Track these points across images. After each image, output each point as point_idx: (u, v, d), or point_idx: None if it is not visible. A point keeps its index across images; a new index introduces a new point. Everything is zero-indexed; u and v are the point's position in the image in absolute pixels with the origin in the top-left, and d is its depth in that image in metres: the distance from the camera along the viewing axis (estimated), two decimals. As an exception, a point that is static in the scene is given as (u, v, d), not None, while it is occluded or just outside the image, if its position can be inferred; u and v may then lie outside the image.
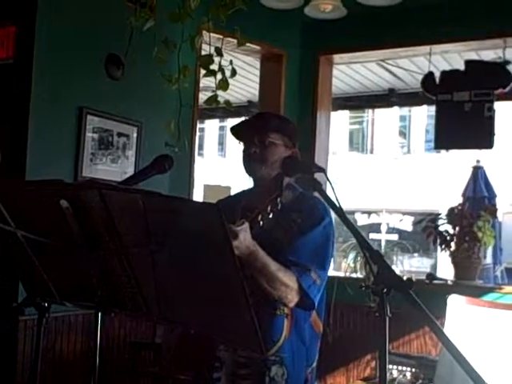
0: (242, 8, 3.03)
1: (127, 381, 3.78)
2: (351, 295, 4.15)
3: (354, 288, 4.27)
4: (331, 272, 2.08)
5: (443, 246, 4.55)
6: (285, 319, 2.00)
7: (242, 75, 5.93)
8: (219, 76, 3.14)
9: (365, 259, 3.98)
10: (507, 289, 4.25)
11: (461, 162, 13.14)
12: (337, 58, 5.12)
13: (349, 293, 4.19)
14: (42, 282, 1.66)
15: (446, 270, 6.76)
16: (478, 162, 7.51)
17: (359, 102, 7.07)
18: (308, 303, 1.94)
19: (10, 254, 1.75)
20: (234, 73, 3.15)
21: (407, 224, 16.82)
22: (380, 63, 5.69)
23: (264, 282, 1.86)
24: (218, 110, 6.98)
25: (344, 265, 4.86)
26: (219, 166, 17.92)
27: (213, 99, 3.16)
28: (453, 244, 4.49)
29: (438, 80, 4.69)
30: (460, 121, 4.54)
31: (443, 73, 4.73)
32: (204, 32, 3.17)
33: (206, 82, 3.49)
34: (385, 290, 1.39)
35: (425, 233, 4.65)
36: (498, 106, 4.54)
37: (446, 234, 4.52)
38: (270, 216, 1.83)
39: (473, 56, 4.98)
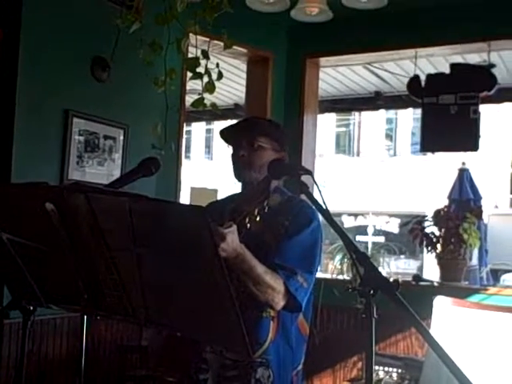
0: (228, 11, 3.03)
1: (114, 384, 3.77)
2: (338, 297, 4.15)
3: (341, 290, 4.28)
4: (318, 274, 2.08)
5: (429, 248, 4.57)
6: (271, 322, 2.00)
7: (229, 78, 5.94)
8: (206, 79, 3.14)
9: (351, 261, 3.99)
10: (493, 290, 4.27)
11: (447, 164, 13.24)
12: (323, 60, 5.13)
13: (335, 294, 4.20)
14: (27, 285, 1.65)
15: (432, 271, 6.81)
16: (463, 164, 7.57)
17: (346, 104, 7.09)
18: (295, 306, 1.95)
19: (-5, 257, 1.74)
20: (220, 76, 3.16)
21: (394, 226, 16.90)
22: (366, 66, 5.71)
23: (251, 285, 1.85)
24: (204, 112, 6.97)
25: (331, 266, 4.87)
26: (206, 168, 17.92)
27: (199, 102, 3.16)
28: (439, 246, 4.52)
29: (423, 83, 4.71)
30: (446, 123, 4.57)
31: (429, 76, 4.76)
32: (191, 35, 3.17)
33: (193, 84, 3.49)
34: (371, 291, 1.40)
35: (411, 235, 4.67)
36: (483, 108, 4.58)
37: (432, 236, 4.55)
38: (258, 219, 1.83)
39: (458, 59, 5.01)
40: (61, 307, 1.74)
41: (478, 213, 4.84)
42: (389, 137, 18.89)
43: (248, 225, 1.82)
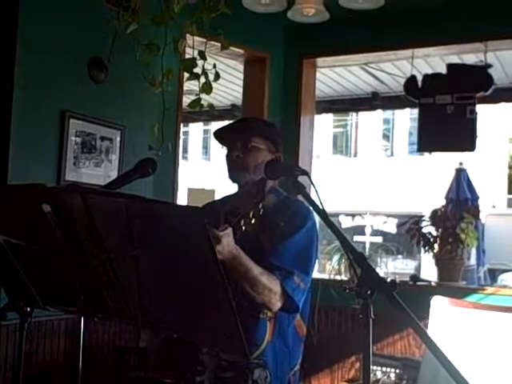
0: (225, 12, 3.03)
1: (111, 386, 3.76)
2: (335, 297, 4.15)
3: (339, 290, 4.28)
4: (315, 274, 2.08)
5: (427, 248, 4.58)
6: (268, 323, 1.99)
7: (226, 79, 5.93)
8: (203, 79, 3.13)
9: (349, 261, 3.99)
10: (490, 290, 4.28)
11: (444, 164, 13.25)
12: (320, 61, 5.14)
13: (333, 295, 4.20)
14: (24, 287, 1.65)
15: (429, 271, 6.81)
16: (460, 164, 7.56)
17: (343, 105, 7.09)
18: (292, 306, 1.94)
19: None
20: (217, 76, 3.15)
21: (391, 226, 16.90)
22: (363, 67, 5.71)
23: (247, 287, 1.85)
24: (201, 113, 6.97)
25: (328, 267, 4.87)
26: (203, 169, 17.90)
27: (196, 103, 3.16)
28: (436, 246, 4.52)
29: (420, 83, 4.72)
30: (442, 124, 4.58)
31: (425, 76, 4.76)
32: (187, 35, 3.17)
33: (190, 85, 3.49)
34: (368, 291, 1.40)
35: (408, 235, 4.68)
36: (480, 108, 4.58)
37: (430, 236, 4.55)
38: (253, 221, 1.83)
39: (455, 60, 5.01)
40: (58, 309, 1.74)
41: (476, 213, 4.85)
42: (386, 137, 18.90)
43: (243, 227, 1.82)
